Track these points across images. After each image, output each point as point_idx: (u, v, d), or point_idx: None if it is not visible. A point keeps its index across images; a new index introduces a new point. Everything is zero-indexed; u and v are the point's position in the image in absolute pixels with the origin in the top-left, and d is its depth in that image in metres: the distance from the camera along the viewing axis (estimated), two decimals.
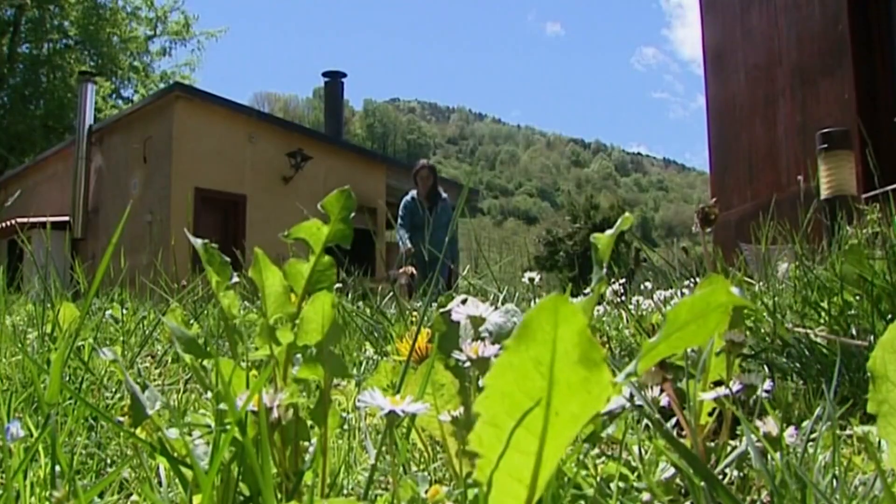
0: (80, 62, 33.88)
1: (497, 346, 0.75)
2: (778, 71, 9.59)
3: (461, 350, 0.78)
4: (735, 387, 0.87)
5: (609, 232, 0.73)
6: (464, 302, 0.96)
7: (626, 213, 0.75)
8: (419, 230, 10.51)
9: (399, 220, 10.93)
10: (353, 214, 0.86)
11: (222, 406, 0.74)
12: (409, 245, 10.52)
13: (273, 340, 0.83)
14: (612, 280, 3.16)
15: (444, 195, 11.03)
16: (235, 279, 0.83)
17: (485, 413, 0.47)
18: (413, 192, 10.97)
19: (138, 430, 0.84)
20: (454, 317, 0.88)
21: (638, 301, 3.11)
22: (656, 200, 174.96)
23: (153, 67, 37.73)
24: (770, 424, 0.83)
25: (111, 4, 35.99)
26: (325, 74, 24.70)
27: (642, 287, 3.99)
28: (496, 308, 2.48)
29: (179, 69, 37.62)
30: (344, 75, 24.86)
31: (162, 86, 32.16)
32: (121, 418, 1.09)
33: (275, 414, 0.73)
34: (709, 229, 1.20)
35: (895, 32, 8.35)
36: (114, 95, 35.72)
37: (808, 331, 1.55)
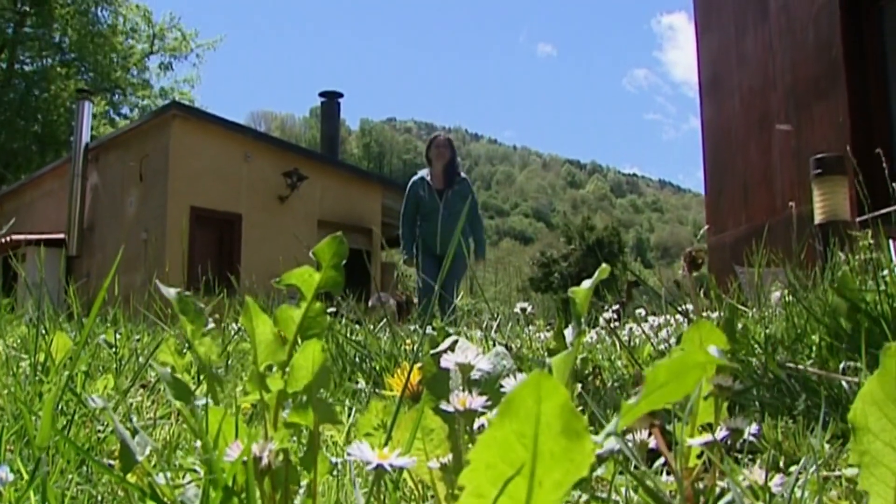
0: (78, 79, 33.95)
1: (484, 398, 0.76)
2: (773, 95, 9.65)
3: (451, 395, 0.78)
4: (721, 434, 0.87)
5: (586, 284, 0.73)
6: (454, 345, 0.96)
7: (604, 265, 0.75)
8: (429, 220, 8.75)
9: (402, 209, 8.94)
10: (344, 261, 0.87)
11: (213, 455, 0.74)
12: (412, 251, 8.79)
13: (263, 387, 0.83)
14: (606, 307, 3.17)
15: (464, 175, 9.03)
16: (211, 325, 0.83)
17: (469, 485, 0.48)
18: (423, 172, 8.95)
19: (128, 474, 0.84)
20: (443, 363, 0.88)
21: (631, 329, 3.12)
22: (651, 221, 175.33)
23: (152, 84, 37.88)
24: (756, 473, 0.84)
25: (109, 21, 36.15)
26: (321, 94, 24.76)
27: (636, 313, 3.99)
28: (487, 334, 2.47)
29: (178, 85, 37.76)
30: (340, 95, 24.93)
31: (161, 102, 32.26)
32: (111, 462, 1.09)
33: (265, 461, 0.74)
34: (696, 273, 1.21)
35: (888, 57, 8.42)
36: (111, 112, 35.79)
37: (799, 366, 1.55)
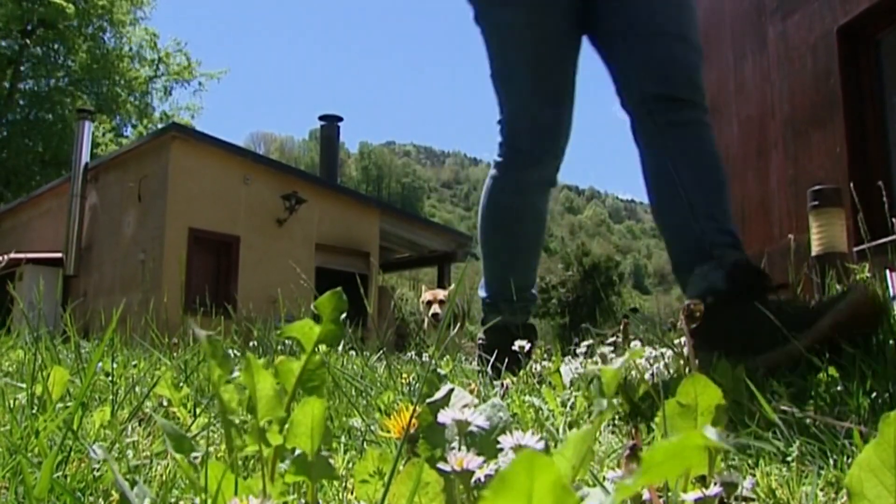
0: (81, 100, 34.05)
1: (481, 459, 0.77)
2: (771, 123, 9.68)
3: (448, 453, 0.79)
4: (714, 490, 0.88)
5: (617, 364, 0.74)
6: (449, 393, 0.97)
7: (637, 348, 0.76)
8: None
9: None
10: (344, 315, 0.88)
11: None
12: None
13: (264, 442, 0.84)
14: (601, 341, 3.18)
15: None
16: (237, 373, 0.84)
17: None
18: None
19: None
20: (439, 419, 0.89)
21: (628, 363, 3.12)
22: (649, 248, 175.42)
23: (154, 108, 38.00)
24: None
25: (117, 46, 36.30)
26: (321, 118, 24.85)
27: (632, 345, 3.99)
28: (484, 368, 2.46)
29: (179, 112, 37.87)
30: (340, 119, 25.03)
31: (161, 126, 32.37)
32: None
33: None
34: (694, 325, 1.22)
35: (886, 87, 8.47)
36: (110, 132, 35.87)
37: (794, 409, 1.56)
